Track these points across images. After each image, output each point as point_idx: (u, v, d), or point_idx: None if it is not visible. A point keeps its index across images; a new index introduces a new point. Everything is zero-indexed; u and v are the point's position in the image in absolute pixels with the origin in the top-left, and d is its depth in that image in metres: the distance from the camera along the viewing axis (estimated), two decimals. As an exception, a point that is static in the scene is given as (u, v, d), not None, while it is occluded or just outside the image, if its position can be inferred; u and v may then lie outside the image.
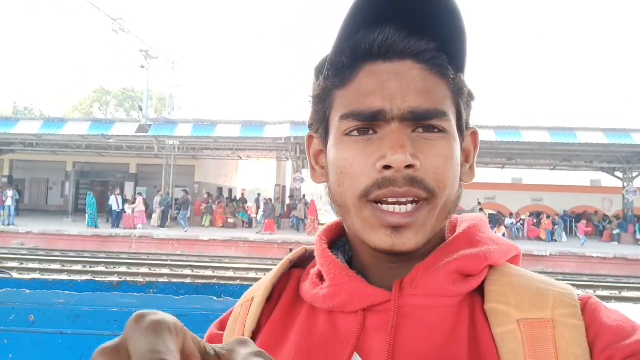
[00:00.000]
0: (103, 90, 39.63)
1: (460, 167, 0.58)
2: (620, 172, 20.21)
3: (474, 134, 0.64)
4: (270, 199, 20.03)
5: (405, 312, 0.55)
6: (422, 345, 0.53)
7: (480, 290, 0.57)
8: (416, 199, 0.54)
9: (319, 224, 18.06)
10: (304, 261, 0.71)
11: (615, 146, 17.60)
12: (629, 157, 19.22)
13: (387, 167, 0.53)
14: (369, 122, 0.55)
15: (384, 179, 0.53)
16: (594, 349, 0.49)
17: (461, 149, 0.60)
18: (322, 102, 0.61)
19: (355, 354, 0.55)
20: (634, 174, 19.62)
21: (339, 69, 0.58)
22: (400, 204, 0.54)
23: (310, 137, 0.67)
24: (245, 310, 0.66)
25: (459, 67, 0.58)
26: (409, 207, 0.54)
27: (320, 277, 0.63)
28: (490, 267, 0.58)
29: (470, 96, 0.61)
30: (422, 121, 0.55)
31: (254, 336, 0.63)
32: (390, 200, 0.54)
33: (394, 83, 0.55)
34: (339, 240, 0.69)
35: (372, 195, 0.54)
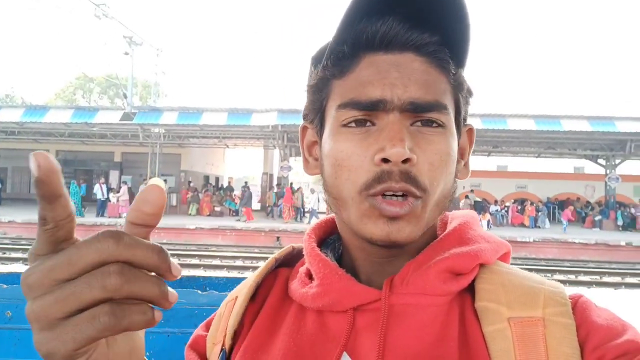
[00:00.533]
0: (86, 77, 38.92)
1: (456, 163, 0.58)
2: (603, 159, 20.51)
3: (470, 131, 0.64)
4: (248, 186, 20.02)
5: (395, 311, 0.54)
6: (412, 344, 0.52)
7: (470, 289, 0.56)
8: (409, 194, 0.53)
9: (295, 210, 18.37)
10: (291, 260, 0.70)
11: (598, 134, 17.85)
12: (612, 144, 19.52)
13: (385, 160, 0.52)
14: (368, 112, 0.54)
15: (383, 172, 0.52)
16: (585, 348, 0.49)
17: (457, 144, 0.59)
18: (319, 91, 0.60)
19: (345, 353, 0.54)
20: (617, 161, 19.94)
21: (339, 58, 0.57)
22: (396, 196, 0.53)
23: (304, 128, 0.66)
24: (229, 309, 0.65)
25: (460, 62, 0.57)
26: (403, 198, 0.53)
27: (309, 276, 0.62)
28: (481, 265, 0.58)
29: (469, 92, 0.61)
30: (422, 113, 0.54)
31: (236, 335, 0.63)
32: (387, 194, 0.53)
33: (395, 73, 0.54)
34: (328, 238, 0.69)
35: (372, 189, 0.53)
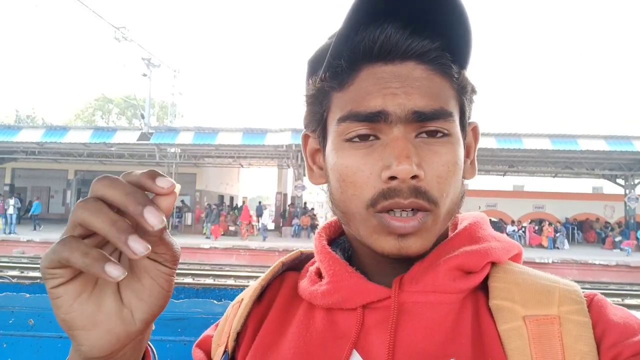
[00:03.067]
0: (105, 98, 39.81)
1: (462, 167, 0.57)
2: (622, 179, 20.16)
3: (475, 128, 0.63)
4: (212, 205, 20.51)
5: (405, 309, 0.54)
6: (422, 342, 0.52)
7: (484, 287, 0.56)
8: (419, 209, 0.53)
9: (252, 227, 18.92)
10: (299, 264, 0.70)
11: (616, 153, 17.57)
12: (630, 164, 19.19)
13: (392, 177, 0.51)
14: (370, 124, 0.53)
15: (390, 189, 0.52)
16: (601, 346, 0.49)
17: (464, 146, 0.58)
18: (319, 103, 0.59)
19: (354, 351, 0.54)
20: (636, 181, 19.57)
21: (337, 73, 0.55)
22: (405, 211, 0.53)
23: (305, 136, 0.65)
24: (234, 312, 0.66)
25: (462, 64, 0.56)
26: (412, 213, 0.53)
27: (319, 275, 0.62)
28: (493, 264, 0.57)
29: (473, 91, 0.59)
30: (427, 122, 0.53)
31: (240, 336, 0.63)
32: (395, 210, 0.52)
33: (396, 83, 0.52)
34: (338, 237, 0.68)
35: (379, 205, 0.52)
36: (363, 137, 0.54)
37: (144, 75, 20.62)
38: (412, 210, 0.52)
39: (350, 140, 0.54)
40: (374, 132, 0.54)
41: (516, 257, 0.61)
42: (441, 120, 0.53)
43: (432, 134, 0.53)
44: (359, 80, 0.54)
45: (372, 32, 0.52)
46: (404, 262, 0.57)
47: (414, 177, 0.51)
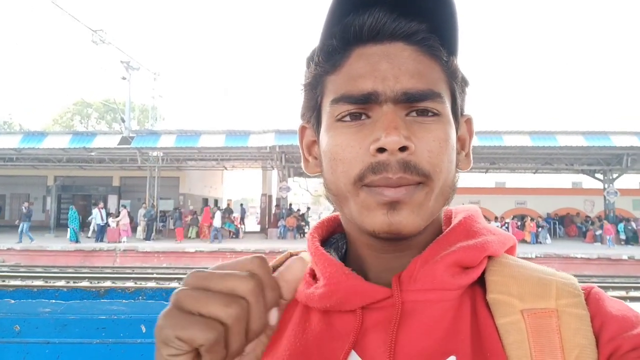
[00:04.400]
0: (84, 103, 39.15)
1: (456, 154, 0.57)
2: (601, 173, 20.58)
3: (469, 121, 0.63)
4: (178, 209, 20.57)
5: (405, 308, 0.54)
6: (422, 341, 0.52)
7: (481, 281, 0.56)
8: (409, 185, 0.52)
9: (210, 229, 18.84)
10: None
11: (594, 148, 17.94)
12: (608, 159, 19.60)
13: (380, 150, 0.51)
14: (361, 105, 0.54)
15: (378, 163, 0.51)
16: (600, 339, 0.49)
17: (456, 135, 0.58)
18: (314, 89, 0.60)
19: (353, 351, 0.53)
20: (614, 175, 19.99)
21: (330, 53, 0.57)
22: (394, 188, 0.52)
23: (302, 128, 0.66)
24: None
25: (451, 50, 0.57)
26: (403, 190, 0.52)
27: (313, 276, 0.62)
28: (489, 257, 0.57)
29: (465, 81, 0.60)
30: (416, 103, 0.53)
31: None
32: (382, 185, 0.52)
33: (386, 64, 0.54)
34: (331, 237, 0.68)
35: (366, 179, 0.52)
36: (354, 117, 0.55)
37: (123, 78, 20.34)
38: (401, 185, 0.52)
39: (341, 119, 0.55)
40: (365, 111, 0.54)
41: (511, 250, 0.61)
42: (430, 101, 0.54)
43: (422, 113, 0.54)
44: (350, 62, 0.55)
45: (361, 15, 0.54)
46: (401, 254, 0.56)
47: (404, 149, 0.51)
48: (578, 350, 0.48)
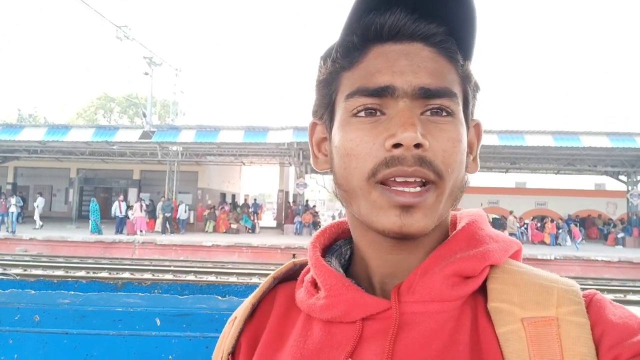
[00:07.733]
0: (107, 97, 39.86)
1: (466, 151, 0.57)
2: (625, 175, 20.14)
3: (477, 126, 0.63)
4: (144, 200, 20.61)
5: (403, 320, 0.54)
6: (420, 352, 0.51)
7: (483, 289, 0.55)
8: (424, 180, 0.52)
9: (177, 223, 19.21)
10: (292, 275, 0.69)
11: (619, 150, 17.55)
12: (632, 160, 19.16)
13: (396, 146, 0.51)
14: (377, 98, 0.54)
15: (393, 157, 0.52)
16: (600, 347, 0.48)
17: (467, 136, 0.58)
18: (329, 85, 0.60)
19: None
20: (638, 178, 19.54)
21: (349, 49, 0.57)
22: (408, 184, 0.52)
23: (313, 125, 0.66)
24: (228, 329, 0.66)
25: (467, 54, 0.58)
26: (417, 188, 0.52)
27: (315, 285, 0.62)
28: (492, 264, 0.56)
29: (477, 87, 0.61)
30: (433, 99, 0.54)
31: (234, 355, 0.64)
32: (398, 180, 0.52)
33: (404, 61, 0.54)
34: (333, 244, 0.68)
35: (380, 174, 0.52)
36: (369, 113, 0.55)
37: (146, 73, 20.60)
38: (417, 185, 0.52)
39: (356, 115, 0.55)
40: (381, 107, 0.54)
41: (516, 254, 0.61)
42: (446, 99, 0.54)
43: (436, 112, 0.54)
44: (368, 59, 0.56)
45: (382, 14, 0.55)
46: (409, 255, 0.56)
47: (419, 146, 0.51)
48: (578, 358, 0.47)
